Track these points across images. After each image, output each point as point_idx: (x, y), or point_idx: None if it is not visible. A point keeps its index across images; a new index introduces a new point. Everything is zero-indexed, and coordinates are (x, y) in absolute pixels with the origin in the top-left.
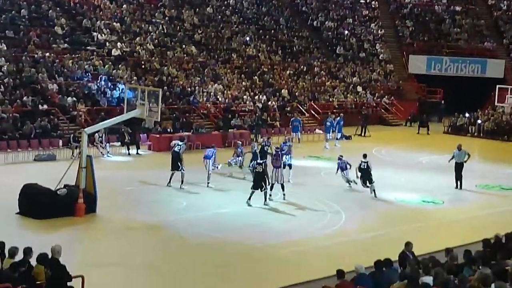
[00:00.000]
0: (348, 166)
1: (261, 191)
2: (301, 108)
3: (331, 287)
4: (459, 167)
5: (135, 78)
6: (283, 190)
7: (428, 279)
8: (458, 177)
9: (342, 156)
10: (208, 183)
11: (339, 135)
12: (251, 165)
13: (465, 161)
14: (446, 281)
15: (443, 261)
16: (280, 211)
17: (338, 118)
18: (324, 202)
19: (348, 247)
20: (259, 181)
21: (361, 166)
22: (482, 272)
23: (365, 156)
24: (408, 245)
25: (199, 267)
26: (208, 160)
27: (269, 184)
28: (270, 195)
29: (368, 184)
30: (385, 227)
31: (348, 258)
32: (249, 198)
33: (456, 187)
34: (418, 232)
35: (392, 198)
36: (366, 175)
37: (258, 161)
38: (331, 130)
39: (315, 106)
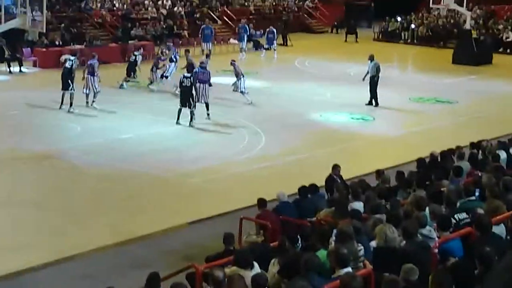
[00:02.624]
0: (242, 74)
1: (189, 108)
2: (213, 15)
3: (251, 218)
4: (372, 82)
5: None
6: (207, 109)
7: (358, 205)
8: (372, 93)
9: (234, 61)
10: (93, 101)
11: (271, 46)
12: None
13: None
14: (377, 206)
15: (374, 184)
16: (191, 134)
17: (269, 29)
18: (241, 122)
19: (269, 173)
20: (187, 97)
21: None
22: (416, 195)
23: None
24: (335, 168)
25: (99, 202)
26: (90, 76)
27: (196, 102)
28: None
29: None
30: (309, 149)
31: (269, 185)
32: (178, 118)
33: (370, 103)
34: (346, 153)
35: (316, 116)
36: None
37: (186, 74)
38: (245, 38)
39: (228, 12)
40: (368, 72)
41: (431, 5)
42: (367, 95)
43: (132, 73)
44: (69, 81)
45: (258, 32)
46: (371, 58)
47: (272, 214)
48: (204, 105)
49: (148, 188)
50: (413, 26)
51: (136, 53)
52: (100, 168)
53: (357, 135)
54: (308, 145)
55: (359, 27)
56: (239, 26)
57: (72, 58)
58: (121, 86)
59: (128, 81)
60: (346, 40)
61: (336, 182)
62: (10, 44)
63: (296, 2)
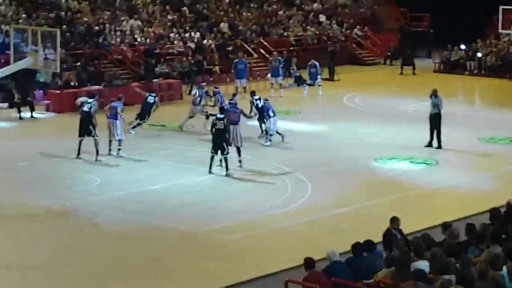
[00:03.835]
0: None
1: (222, 154)
2: (247, 47)
3: (298, 281)
4: (435, 120)
5: (23, 15)
6: (239, 155)
7: (422, 264)
8: (436, 133)
9: (254, 92)
10: (119, 149)
11: (315, 82)
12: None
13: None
14: (445, 265)
15: (440, 239)
16: (227, 185)
17: (310, 62)
18: (283, 170)
19: (317, 228)
20: (221, 142)
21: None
22: (491, 252)
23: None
24: (394, 221)
25: (121, 265)
26: (113, 120)
27: (229, 146)
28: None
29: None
30: (363, 200)
31: (318, 242)
32: (210, 166)
33: (429, 145)
34: (406, 204)
35: (370, 160)
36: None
37: (218, 115)
38: (280, 72)
39: (265, 43)
40: (431, 110)
41: (500, 30)
42: (428, 135)
43: (146, 116)
44: (90, 126)
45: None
46: (434, 94)
47: (322, 275)
48: (236, 149)
49: (178, 248)
50: (479, 54)
51: (153, 94)
52: (123, 225)
53: (418, 182)
54: (362, 195)
55: (417, 57)
56: (271, 60)
57: (90, 100)
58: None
59: (140, 124)
60: (401, 73)
61: (396, 238)
62: (20, 86)
63: (343, 30)
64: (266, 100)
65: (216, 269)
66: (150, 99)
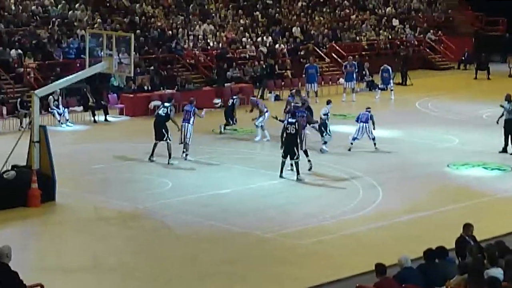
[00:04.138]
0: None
1: (292, 159)
2: (319, 52)
3: (369, 287)
4: (510, 125)
5: (98, 20)
6: (306, 155)
7: (496, 272)
8: (511, 138)
9: (370, 109)
10: (186, 154)
11: (387, 86)
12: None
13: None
14: None
15: None
16: (297, 189)
17: (383, 67)
18: (354, 174)
19: (389, 234)
20: (291, 147)
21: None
22: None
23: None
24: (467, 227)
25: (193, 268)
26: (186, 124)
27: (301, 149)
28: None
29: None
30: (435, 205)
31: (389, 247)
32: (281, 171)
33: (503, 151)
34: (479, 210)
35: (443, 166)
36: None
37: (290, 119)
38: (354, 77)
39: (337, 48)
40: (503, 114)
41: None
42: (503, 141)
43: (230, 119)
44: (163, 130)
45: (367, 71)
46: (508, 99)
47: (394, 282)
48: (303, 152)
49: (249, 251)
50: None
51: (234, 97)
52: (195, 228)
53: (492, 188)
54: (434, 201)
55: (492, 62)
56: (346, 64)
57: (167, 104)
58: (221, 132)
59: (226, 127)
60: (476, 77)
61: (469, 244)
62: (94, 90)
63: (416, 35)
64: (369, 108)
65: (287, 274)
66: (229, 102)
